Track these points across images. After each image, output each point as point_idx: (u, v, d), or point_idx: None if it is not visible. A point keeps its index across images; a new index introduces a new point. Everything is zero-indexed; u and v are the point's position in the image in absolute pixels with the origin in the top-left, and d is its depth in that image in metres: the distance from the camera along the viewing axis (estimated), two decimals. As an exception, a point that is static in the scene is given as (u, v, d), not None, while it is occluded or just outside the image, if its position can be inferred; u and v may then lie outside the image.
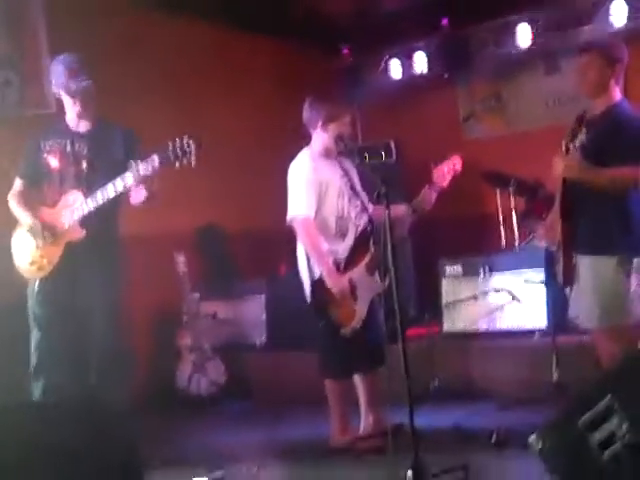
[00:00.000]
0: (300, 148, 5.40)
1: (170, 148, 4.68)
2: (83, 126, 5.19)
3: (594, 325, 4.66)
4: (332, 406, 5.30)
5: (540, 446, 3.83)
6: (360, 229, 5.28)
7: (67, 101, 5.16)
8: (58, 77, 5.13)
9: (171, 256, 7.22)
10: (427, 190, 5.28)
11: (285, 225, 5.25)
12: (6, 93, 6.71)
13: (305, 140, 5.43)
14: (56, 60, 5.21)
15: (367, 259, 5.22)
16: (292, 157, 5.38)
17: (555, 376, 5.72)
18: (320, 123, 5.24)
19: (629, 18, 8.02)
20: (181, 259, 7.20)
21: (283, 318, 7.28)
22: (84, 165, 5.08)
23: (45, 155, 5.14)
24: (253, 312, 7.63)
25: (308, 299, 5.25)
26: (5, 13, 6.84)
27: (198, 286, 7.45)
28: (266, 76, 9.06)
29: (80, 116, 5.16)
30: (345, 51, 9.67)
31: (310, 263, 5.19)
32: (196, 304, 7.30)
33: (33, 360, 5.10)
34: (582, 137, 4.59)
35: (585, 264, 4.61)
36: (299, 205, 5.18)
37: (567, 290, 4.80)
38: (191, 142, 4.65)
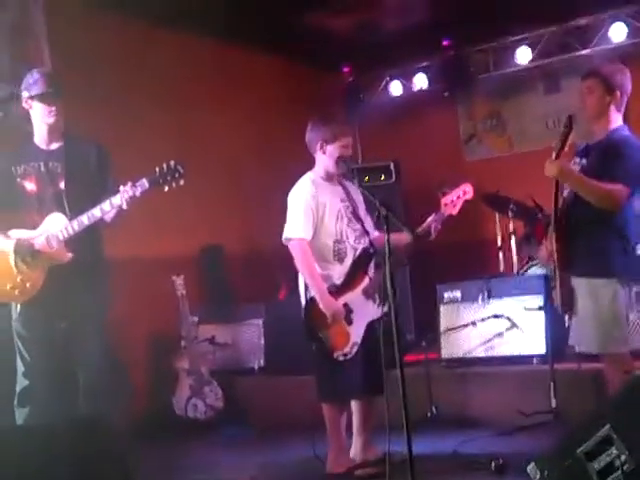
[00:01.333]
0: (302, 169, 5.37)
1: (158, 172, 4.73)
2: (54, 144, 5.05)
3: (594, 351, 4.64)
4: (329, 430, 5.25)
5: (539, 475, 3.83)
6: (358, 253, 5.23)
7: (40, 112, 4.98)
8: (33, 85, 4.94)
9: (169, 279, 7.19)
10: (433, 218, 5.22)
11: (285, 249, 5.22)
12: (12, 107, 6.69)
13: (306, 161, 5.38)
14: (31, 71, 5.04)
15: (365, 283, 5.18)
16: (293, 178, 5.36)
17: (553, 403, 5.67)
18: (319, 145, 5.22)
19: (628, 39, 8.05)
20: (179, 282, 7.17)
21: (281, 343, 7.21)
22: (61, 185, 4.96)
23: (19, 180, 4.99)
24: (251, 336, 7.59)
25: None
26: (8, 27, 6.83)
27: (196, 309, 7.41)
28: (268, 94, 9.08)
29: (52, 129, 5.00)
30: (346, 69, 9.69)
31: (307, 286, 5.16)
32: (194, 327, 7.28)
33: (19, 386, 5.00)
34: (583, 162, 4.68)
35: (583, 287, 4.61)
36: (294, 227, 5.16)
37: (566, 318, 4.79)
38: (179, 166, 4.74)
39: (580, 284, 4.62)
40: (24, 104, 5.03)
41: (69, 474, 3.85)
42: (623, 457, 3.53)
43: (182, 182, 4.76)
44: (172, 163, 4.75)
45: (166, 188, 4.76)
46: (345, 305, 5.11)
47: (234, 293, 8.22)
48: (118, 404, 5.18)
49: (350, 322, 5.11)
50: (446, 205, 5.24)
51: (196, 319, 7.32)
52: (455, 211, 5.25)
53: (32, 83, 4.96)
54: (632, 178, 4.54)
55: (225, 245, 8.38)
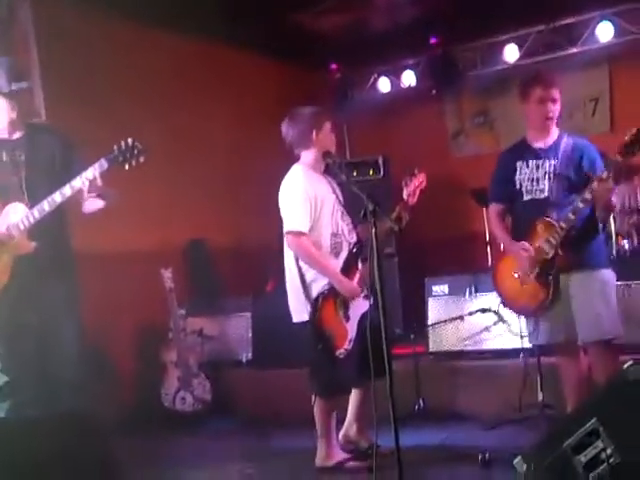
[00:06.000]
0: (289, 163, 5.34)
1: (116, 150, 4.71)
2: (17, 133, 4.99)
3: (606, 336, 4.79)
4: (323, 425, 5.21)
5: (525, 468, 3.83)
6: (351, 247, 5.23)
7: (2, 106, 4.91)
8: None
9: (157, 272, 7.19)
10: (401, 208, 5.28)
11: (272, 241, 5.20)
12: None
13: (290, 156, 5.36)
14: None
15: (357, 277, 5.17)
16: (281, 172, 5.32)
17: (540, 396, 5.72)
18: (314, 133, 5.18)
19: (615, 38, 8.11)
20: (167, 275, 7.16)
21: (269, 335, 7.23)
22: (23, 173, 4.88)
23: None
24: (239, 329, 7.62)
25: (299, 319, 5.16)
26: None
27: (184, 302, 7.42)
28: (254, 90, 9.09)
29: (14, 122, 4.95)
30: (334, 67, 9.70)
31: (306, 283, 5.11)
32: (182, 320, 7.26)
33: None
34: (553, 163, 4.94)
35: (588, 278, 4.82)
36: (297, 220, 5.09)
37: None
38: (137, 143, 4.72)
39: (583, 278, 4.82)
40: None
41: (50, 466, 3.84)
42: (609, 450, 3.53)
43: (142, 159, 4.73)
44: (130, 141, 4.72)
45: (127, 166, 4.72)
46: (344, 301, 5.11)
47: (222, 286, 8.25)
48: (102, 396, 5.16)
49: (348, 319, 5.11)
50: (409, 196, 5.32)
51: (184, 312, 7.31)
52: (415, 200, 5.34)
53: None
54: None
55: (213, 238, 8.39)
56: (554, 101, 4.95)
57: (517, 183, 5.02)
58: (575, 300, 4.83)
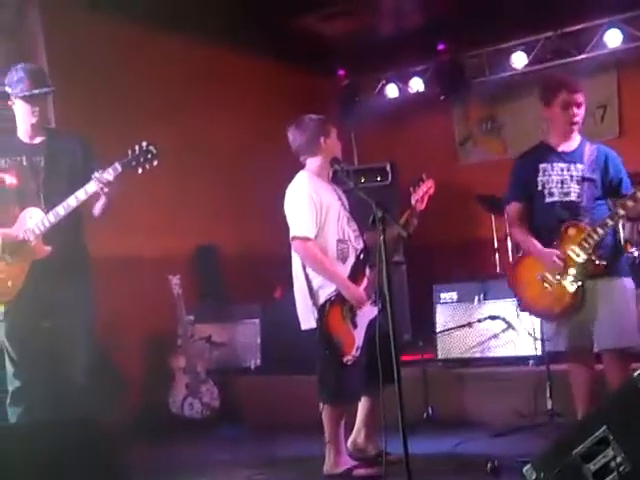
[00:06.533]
0: (296, 169, 5.36)
1: (130, 154, 4.68)
2: (38, 138, 4.97)
3: (626, 343, 4.76)
4: (331, 432, 5.20)
5: (535, 476, 3.82)
6: (358, 253, 5.23)
7: (23, 111, 4.91)
8: (18, 83, 4.84)
9: (166, 278, 7.20)
10: (409, 214, 5.27)
11: (281, 248, 5.20)
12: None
13: (298, 162, 5.39)
14: (16, 67, 4.93)
15: (364, 284, 5.17)
16: (288, 179, 5.34)
17: (549, 404, 5.71)
18: (322, 139, 5.22)
19: (623, 45, 8.10)
20: (175, 281, 7.18)
21: (278, 342, 7.25)
22: (41, 179, 4.87)
23: (0, 174, 4.90)
24: (248, 336, 7.64)
25: (307, 326, 5.17)
26: (4, 27, 6.82)
27: (193, 309, 7.43)
28: (264, 98, 9.10)
29: (35, 127, 4.93)
30: (341, 72, 9.71)
31: (313, 290, 5.12)
32: (190, 327, 7.28)
33: (11, 386, 4.94)
34: (578, 167, 4.91)
35: (613, 286, 4.80)
36: (303, 226, 5.10)
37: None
38: (151, 147, 4.68)
39: (608, 285, 4.79)
40: (8, 101, 4.95)
41: (59, 471, 3.84)
42: (619, 458, 3.52)
43: (155, 163, 4.69)
44: (144, 144, 4.69)
45: (140, 170, 4.69)
46: (351, 308, 5.12)
47: (230, 292, 8.24)
48: (111, 402, 5.15)
49: (355, 326, 5.10)
50: (417, 202, 5.30)
51: (192, 318, 7.33)
52: (423, 206, 5.32)
53: (16, 81, 4.86)
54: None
55: (221, 244, 8.41)
56: (579, 105, 4.92)
57: (539, 184, 4.94)
58: (599, 306, 4.76)
